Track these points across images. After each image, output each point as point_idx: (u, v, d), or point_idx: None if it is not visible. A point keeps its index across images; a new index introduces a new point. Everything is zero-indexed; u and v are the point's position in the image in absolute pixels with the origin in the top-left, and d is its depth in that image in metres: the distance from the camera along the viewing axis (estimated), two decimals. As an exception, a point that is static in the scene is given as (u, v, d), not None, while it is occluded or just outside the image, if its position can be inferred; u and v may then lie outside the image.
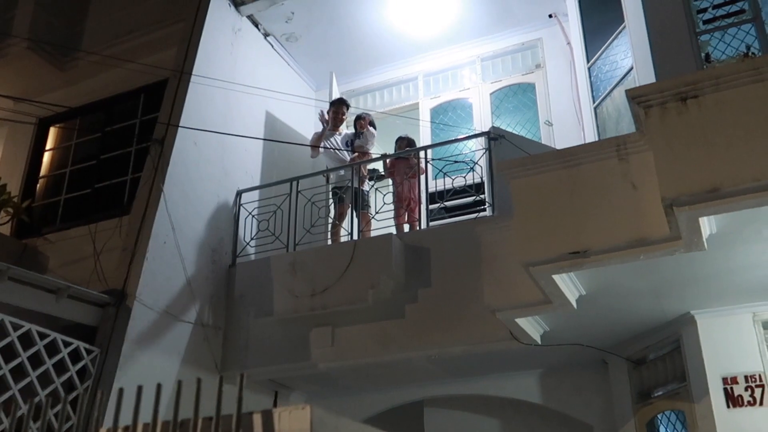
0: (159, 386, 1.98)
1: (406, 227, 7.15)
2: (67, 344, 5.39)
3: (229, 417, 1.85)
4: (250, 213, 7.28)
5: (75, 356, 5.46)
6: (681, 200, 4.02)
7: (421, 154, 7.16)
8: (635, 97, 4.27)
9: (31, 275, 5.36)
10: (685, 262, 4.80)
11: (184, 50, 7.39)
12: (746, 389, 5.27)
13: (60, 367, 5.30)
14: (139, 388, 2.03)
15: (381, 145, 8.06)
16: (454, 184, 6.66)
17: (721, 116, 4.11)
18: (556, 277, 4.77)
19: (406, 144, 7.57)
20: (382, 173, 7.83)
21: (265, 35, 8.53)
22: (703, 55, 6.25)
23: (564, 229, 4.57)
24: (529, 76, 8.67)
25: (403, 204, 7.13)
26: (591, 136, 7.13)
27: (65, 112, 7.93)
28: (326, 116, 7.93)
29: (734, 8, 6.34)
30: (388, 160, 7.59)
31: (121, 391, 2.09)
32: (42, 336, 5.21)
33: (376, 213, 6.90)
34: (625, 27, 6.95)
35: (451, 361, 6.50)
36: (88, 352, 5.55)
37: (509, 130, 7.68)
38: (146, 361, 5.85)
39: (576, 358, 6.56)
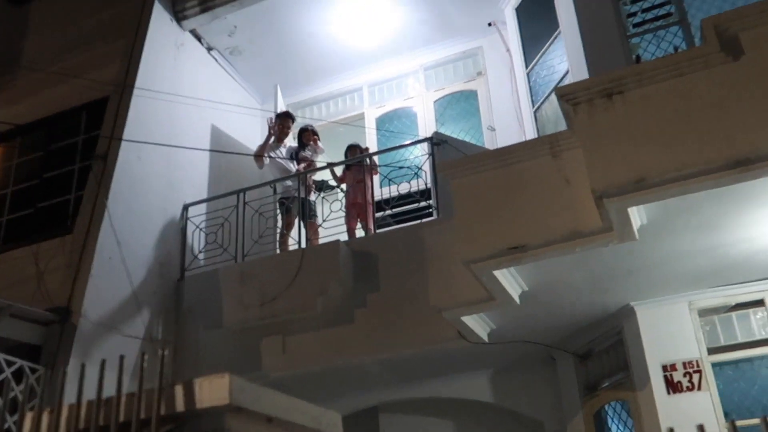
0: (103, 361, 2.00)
1: (360, 232, 7.20)
2: (10, 363, 5.29)
3: (152, 390, 1.89)
4: (197, 226, 7.28)
5: (20, 376, 5.36)
6: (610, 192, 4.16)
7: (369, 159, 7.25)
8: (563, 95, 4.42)
9: (-30, 295, 5.26)
10: (620, 253, 4.95)
11: (125, 66, 7.38)
12: (684, 375, 5.44)
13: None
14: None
15: (327, 154, 8.12)
16: (400, 191, 6.76)
17: (645, 111, 4.28)
18: (497, 273, 4.87)
19: (358, 152, 7.65)
20: (331, 184, 7.88)
21: (209, 49, 8.57)
22: (634, 57, 6.48)
23: (503, 225, 4.68)
24: (471, 83, 8.85)
25: (356, 209, 7.18)
26: (532, 139, 7.28)
27: (6, 131, 7.81)
28: (275, 125, 7.96)
29: (662, 11, 6.60)
30: (338, 170, 7.64)
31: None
32: (-17, 356, 5.11)
33: (324, 221, 6.94)
34: (560, 32, 7.17)
35: (402, 365, 6.56)
36: (33, 370, 5.45)
37: (453, 136, 7.82)
38: (94, 378, 5.75)
39: (524, 355, 6.67)
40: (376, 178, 7.68)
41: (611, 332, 6.08)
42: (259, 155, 7.80)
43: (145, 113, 7.17)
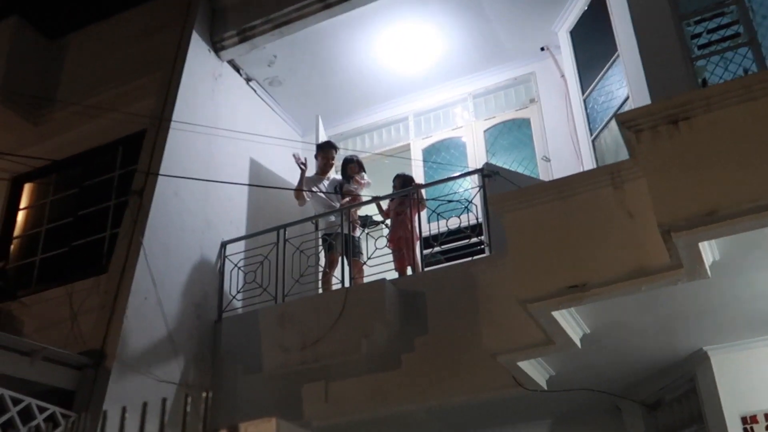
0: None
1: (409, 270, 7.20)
2: (42, 410, 5.38)
3: (196, 435, 1.90)
4: (235, 265, 7.36)
5: (53, 422, 5.45)
6: (678, 225, 4.08)
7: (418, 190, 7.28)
8: (625, 121, 4.38)
9: (3, 337, 5.39)
10: (691, 293, 4.84)
11: (162, 98, 7.57)
12: (767, 428, 5.26)
13: (36, 434, 5.28)
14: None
15: (373, 187, 8.19)
16: (449, 226, 6.76)
17: (714, 137, 4.21)
18: (556, 314, 4.80)
19: (402, 181, 7.68)
20: (376, 219, 7.92)
21: (247, 80, 8.77)
22: (700, 80, 6.42)
23: (561, 262, 4.63)
24: (524, 111, 8.87)
25: (398, 244, 7.20)
26: (590, 170, 7.23)
27: (40, 168, 8.07)
28: (302, 158, 8.05)
29: (729, 32, 6.54)
30: (384, 204, 7.70)
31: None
32: (15, 402, 5.21)
33: (369, 258, 6.96)
34: (618, 56, 7.15)
35: (453, 414, 6.49)
36: (65, 417, 5.54)
37: (506, 167, 7.81)
38: (128, 425, 5.82)
39: (586, 404, 6.53)
40: (424, 213, 7.69)
41: (683, 380, 5.92)
42: (298, 191, 7.86)
43: (183, 147, 7.35)
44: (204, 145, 7.62)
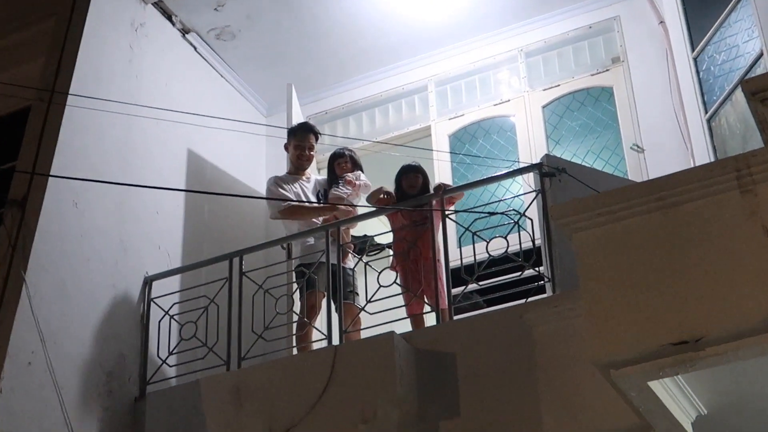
0: None
1: (431, 320, 7.15)
2: None
3: None
4: (166, 312, 7.34)
5: None
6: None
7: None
8: (757, 91, 4.36)
9: None
10: None
11: (55, 61, 7.56)
12: None
13: None
14: None
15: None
16: (490, 251, 6.72)
17: None
18: (655, 385, 4.76)
19: (419, 182, 7.61)
20: (379, 243, 7.85)
21: (184, 32, 8.82)
22: None
23: (661, 305, 4.58)
24: (603, 76, 8.88)
25: (416, 274, 7.17)
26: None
27: None
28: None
29: None
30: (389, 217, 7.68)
31: None
32: None
33: (368, 302, 6.94)
34: (746, -6, 7.18)
35: None
36: None
37: (576, 162, 7.78)
38: None
39: None
40: (453, 233, 7.64)
41: None
42: (290, 206, 7.72)
43: (86, 134, 7.31)
44: (119, 131, 7.59)
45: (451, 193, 7.48)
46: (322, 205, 7.83)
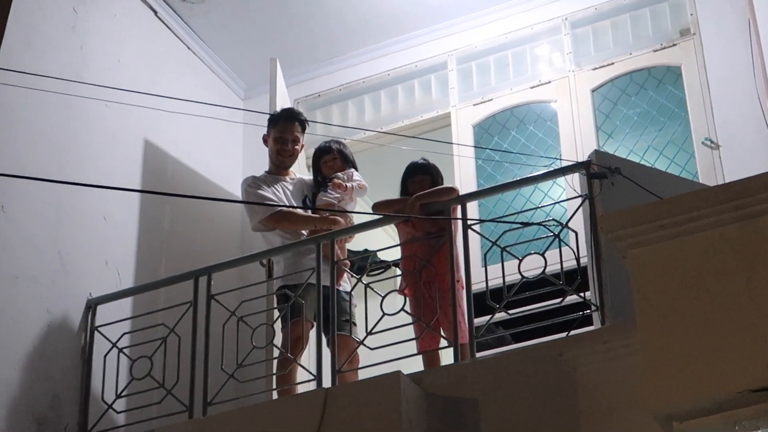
0: None
1: (447, 358, 7.17)
2: None
3: None
4: (114, 344, 7.38)
5: None
6: None
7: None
8: None
9: None
10: None
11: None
12: None
13: None
14: None
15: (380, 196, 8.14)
16: (523, 271, 6.70)
17: None
18: (729, 442, 4.73)
19: (427, 183, 7.59)
20: (382, 260, 7.85)
21: (143, -6, 8.85)
22: None
23: (738, 341, 4.57)
24: (669, 52, 8.87)
25: (429, 300, 7.16)
26: (795, 163, 7.22)
27: None
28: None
29: None
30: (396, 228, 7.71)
31: None
32: None
33: (369, 333, 6.92)
34: None
35: None
36: None
37: (632, 160, 7.76)
38: None
39: None
40: (476, 249, 7.61)
41: None
42: (279, 213, 7.73)
43: (15, 117, 7.33)
44: (57, 116, 7.63)
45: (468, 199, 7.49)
46: (320, 216, 7.77)
